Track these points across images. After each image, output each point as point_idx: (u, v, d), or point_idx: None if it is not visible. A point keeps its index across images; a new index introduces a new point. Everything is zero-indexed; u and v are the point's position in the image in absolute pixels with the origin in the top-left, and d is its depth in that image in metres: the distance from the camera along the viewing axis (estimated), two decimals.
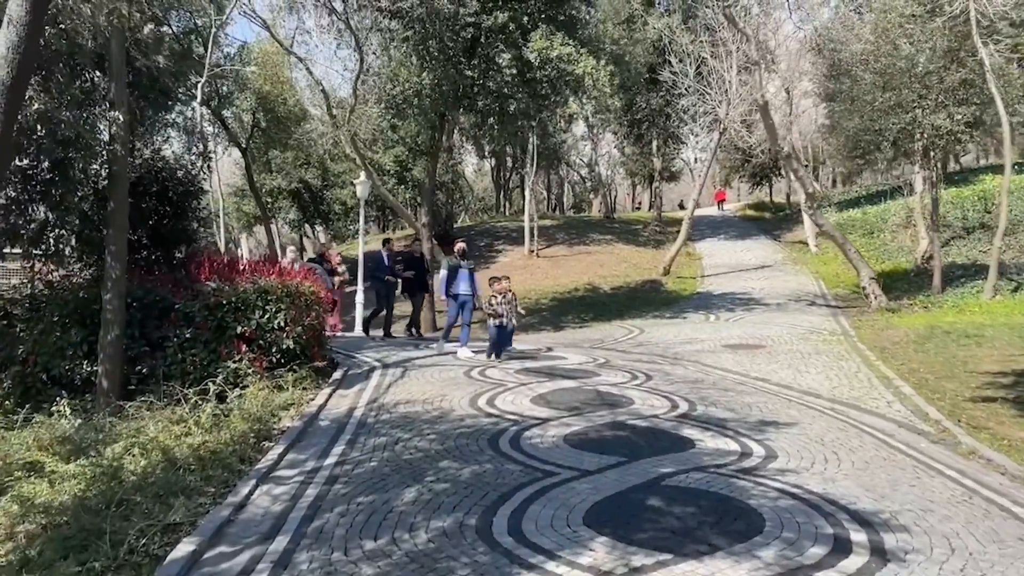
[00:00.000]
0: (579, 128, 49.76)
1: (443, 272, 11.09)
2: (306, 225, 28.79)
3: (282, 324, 8.77)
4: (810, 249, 27.82)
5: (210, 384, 7.90)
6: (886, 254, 25.15)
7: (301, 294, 9.10)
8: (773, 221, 38.27)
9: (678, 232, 34.80)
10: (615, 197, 58.79)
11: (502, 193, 47.17)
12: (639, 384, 8.62)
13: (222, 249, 39.43)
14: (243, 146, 21.83)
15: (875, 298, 16.85)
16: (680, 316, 17.61)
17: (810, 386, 8.98)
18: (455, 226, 32.87)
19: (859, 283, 18.33)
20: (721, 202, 45.80)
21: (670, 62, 24.09)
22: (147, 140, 12.87)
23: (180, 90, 17.60)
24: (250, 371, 8.47)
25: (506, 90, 15.18)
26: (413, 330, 14.72)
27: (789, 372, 9.90)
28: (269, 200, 26.52)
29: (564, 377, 9.06)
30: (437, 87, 15.49)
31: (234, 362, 8.45)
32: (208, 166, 11.89)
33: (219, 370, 8.35)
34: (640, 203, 54.47)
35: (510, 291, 11.18)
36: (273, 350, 8.77)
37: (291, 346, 8.79)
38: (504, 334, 11.08)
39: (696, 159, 39.17)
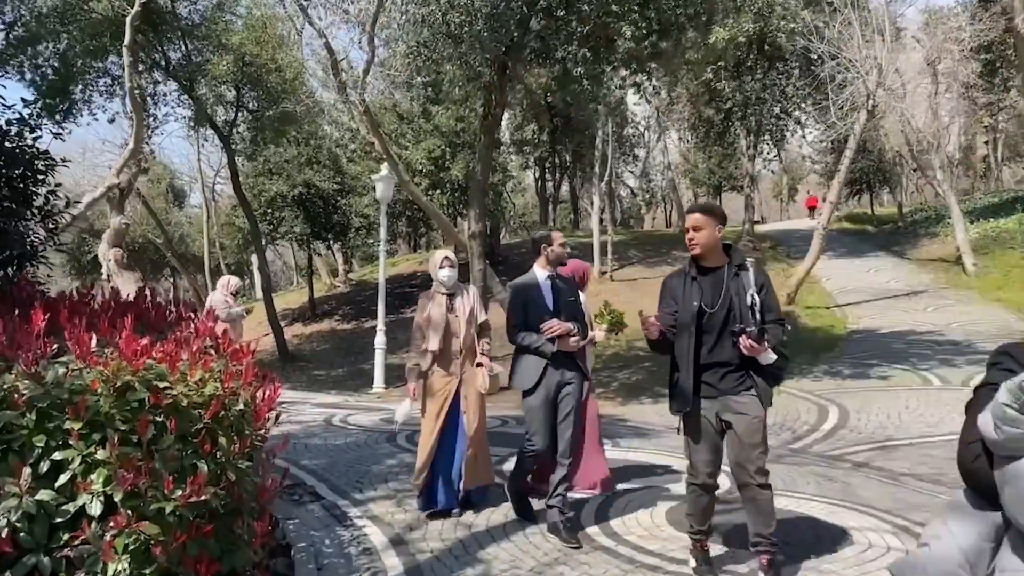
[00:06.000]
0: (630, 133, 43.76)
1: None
2: (316, 242, 22.98)
3: (101, 505, 2.83)
4: (966, 268, 21.26)
5: None
6: None
7: (179, 403, 3.11)
8: (882, 235, 31.71)
9: (772, 248, 28.66)
10: (671, 211, 52.50)
11: (549, 206, 41.17)
12: None
13: (206, 279, 33.66)
14: (224, 133, 16.17)
15: None
16: (869, 373, 11.34)
17: None
18: (500, 243, 26.90)
19: None
20: (813, 209, 39.32)
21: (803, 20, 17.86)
22: None
23: None
24: None
25: (614, 7, 9.20)
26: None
27: None
28: (268, 210, 20.77)
29: None
30: (499, 7, 9.59)
31: None
32: (61, 124, 5.96)
33: None
34: None
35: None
36: None
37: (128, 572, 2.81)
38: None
39: (806, 156, 32.89)
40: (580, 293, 4.91)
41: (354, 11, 12.81)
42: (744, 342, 3.40)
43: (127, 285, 20.19)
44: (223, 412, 3.29)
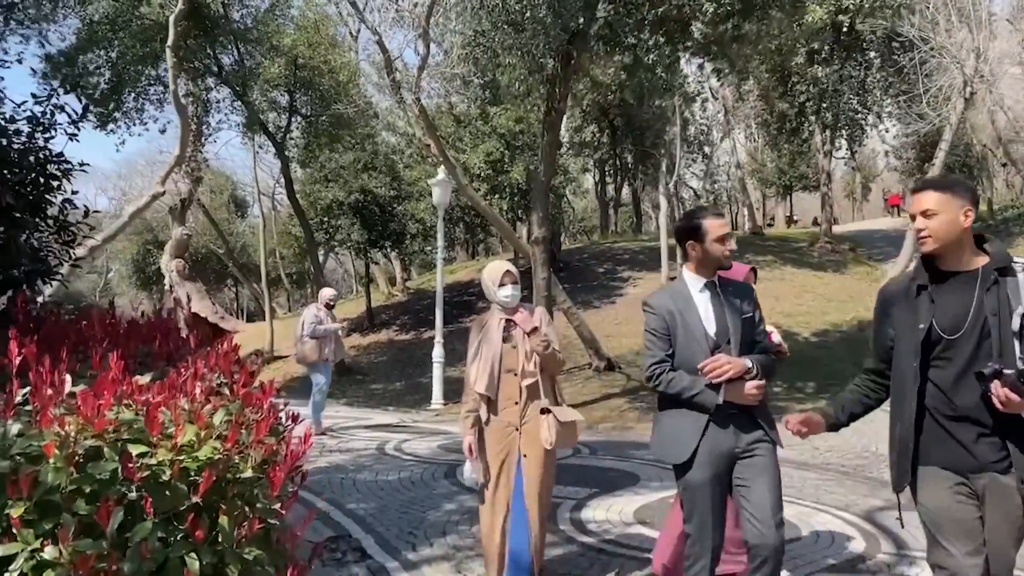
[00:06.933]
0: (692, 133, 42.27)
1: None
2: (373, 250, 22.48)
3: None
4: None
5: None
6: None
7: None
8: None
9: (851, 250, 26.93)
10: (736, 213, 50.69)
11: (609, 210, 40.15)
12: None
13: (263, 299, 33.33)
14: (278, 140, 15.73)
15: None
16: None
17: None
18: (561, 248, 25.98)
19: None
20: (896, 207, 37.28)
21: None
22: None
23: None
24: None
25: None
26: None
27: None
28: (325, 218, 20.34)
29: None
30: None
31: None
32: (77, 125, 5.24)
33: None
34: (773, 218, 46.19)
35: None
36: None
37: None
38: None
39: (888, 152, 31.08)
40: (757, 310, 3.09)
41: (408, 5, 12.13)
42: (995, 391, 2.15)
43: (191, 295, 20.06)
44: (226, 481, 2.48)
